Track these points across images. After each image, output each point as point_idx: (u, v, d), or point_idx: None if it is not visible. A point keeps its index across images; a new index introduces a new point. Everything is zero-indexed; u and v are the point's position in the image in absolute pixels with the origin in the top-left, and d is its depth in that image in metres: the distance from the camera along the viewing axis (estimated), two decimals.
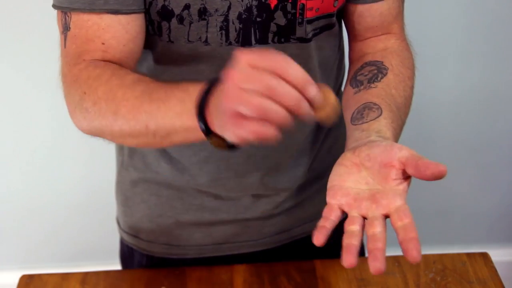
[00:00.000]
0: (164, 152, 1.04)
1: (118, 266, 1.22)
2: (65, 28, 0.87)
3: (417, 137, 1.82)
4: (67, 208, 1.92)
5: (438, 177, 0.70)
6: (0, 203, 1.92)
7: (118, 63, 0.87)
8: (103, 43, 0.85)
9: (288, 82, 0.64)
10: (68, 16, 0.86)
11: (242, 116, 0.65)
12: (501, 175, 1.95)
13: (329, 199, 0.75)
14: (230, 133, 0.67)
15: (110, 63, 0.85)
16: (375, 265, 0.67)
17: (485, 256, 1.10)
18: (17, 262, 1.99)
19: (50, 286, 1.08)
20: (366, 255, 0.70)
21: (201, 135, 0.73)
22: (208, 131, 0.72)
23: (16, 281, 1.09)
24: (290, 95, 0.64)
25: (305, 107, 0.66)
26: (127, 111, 0.78)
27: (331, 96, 0.69)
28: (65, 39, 0.87)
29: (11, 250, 2.00)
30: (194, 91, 0.73)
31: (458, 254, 1.10)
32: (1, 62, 1.71)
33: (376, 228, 0.70)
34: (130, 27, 0.86)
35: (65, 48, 0.87)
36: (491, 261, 1.09)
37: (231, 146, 0.73)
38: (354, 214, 0.73)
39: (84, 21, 0.85)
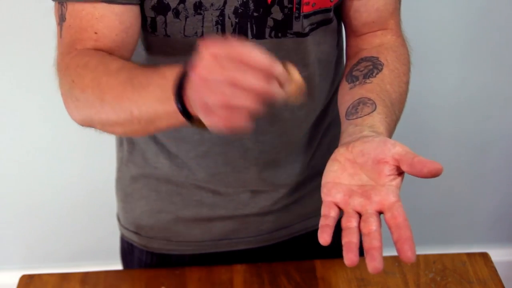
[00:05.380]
0: (163, 148, 1.05)
1: (118, 266, 1.22)
2: (61, 19, 0.88)
3: (416, 137, 1.82)
4: (67, 208, 1.92)
5: (435, 174, 0.71)
6: None
7: (110, 52, 0.87)
8: (95, 33, 0.86)
9: (252, 67, 0.64)
10: (64, 7, 0.87)
11: (210, 106, 0.64)
12: (501, 176, 1.95)
13: (324, 196, 0.76)
14: (203, 120, 0.67)
15: (99, 51, 0.86)
16: (374, 265, 0.67)
17: (485, 256, 1.10)
18: (17, 262, 1.99)
19: (50, 286, 1.08)
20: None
21: (183, 119, 0.73)
22: (188, 115, 0.72)
23: (16, 281, 1.09)
24: (254, 80, 0.63)
25: (272, 88, 0.65)
26: (112, 98, 0.79)
27: (295, 73, 0.68)
28: (61, 30, 0.88)
29: (11, 250, 2.00)
30: (171, 75, 0.73)
31: (458, 254, 1.10)
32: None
33: (371, 226, 0.71)
34: (125, 17, 0.87)
35: (61, 38, 0.89)
36: (491, 261, 1.09)
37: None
38: (349, 210, 0.74)
39: (79, 11, 0.86)
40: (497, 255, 1.25)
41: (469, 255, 1.10)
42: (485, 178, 1.95)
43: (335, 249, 1.16)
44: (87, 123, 0.86)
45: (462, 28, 1.72)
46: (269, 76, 0.64)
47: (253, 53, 0.64)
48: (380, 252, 0.69)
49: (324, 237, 0.71)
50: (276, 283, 1.06)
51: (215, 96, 0.63)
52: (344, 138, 0.82)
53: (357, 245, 0.70)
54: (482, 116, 1.85)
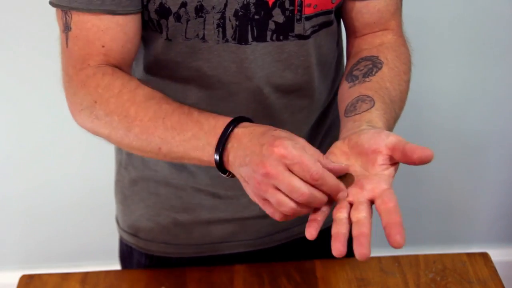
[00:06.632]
0: None
1: (118, 266, 1.22)
2: (66, 28, 0.88)
3: (416, 136, 1.81)
4: (67, 208, 1.92)
5: (425, 161, 0.71)
6: None
7: (118, 65, 0.89)
8: (103, 46, 0.87)
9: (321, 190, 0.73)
10: (68, 16, 0.87)
11: (267, 200, 0.74)
12: (501, 175, 1.95)
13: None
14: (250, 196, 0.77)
15: (116, 70, 0.88)
16: (360, 250, 0.68)
17: (485, 256, 1.10)
18: (17, 262, 1.99)
19: (50, 286, 1.08)
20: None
21: (214, 165, 0.81)
22: (222, 167, 0.80)
23: (16, 281, 1.09)
24: (317, 202, 0.73)
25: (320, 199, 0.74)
26: (140, 132, 0.84)
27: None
28: (66, 39, 0.89)
29: (11, 250, 2.00)
30: (209, 129, 0.80)
31: (458, 254, 1.10)
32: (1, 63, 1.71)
33: (361, 213, 0.71)
34: (128, 28, 0.88)
35: (68, 48, 0.89)
36: (491, 261, 1.09)
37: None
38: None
39: (84, 23, 0.87)
40: (497, 255, 1.25)
41: (469, 255, 1.10)
42: (485, 178, 1.95)
43: None
44: (97, 135, 0.89)
45: (463, 28, 1.72)
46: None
47: (328, 179, 0.72)
48: (368, 239, 0.69)
49: (310, 231, 0.72)
50: (276, 283, 1.06)
51: (276, 200, 0.73)
52: (343, 133, 0.82)
53: (346, 236, 0.70)
54: (482, 116, 1.85)
